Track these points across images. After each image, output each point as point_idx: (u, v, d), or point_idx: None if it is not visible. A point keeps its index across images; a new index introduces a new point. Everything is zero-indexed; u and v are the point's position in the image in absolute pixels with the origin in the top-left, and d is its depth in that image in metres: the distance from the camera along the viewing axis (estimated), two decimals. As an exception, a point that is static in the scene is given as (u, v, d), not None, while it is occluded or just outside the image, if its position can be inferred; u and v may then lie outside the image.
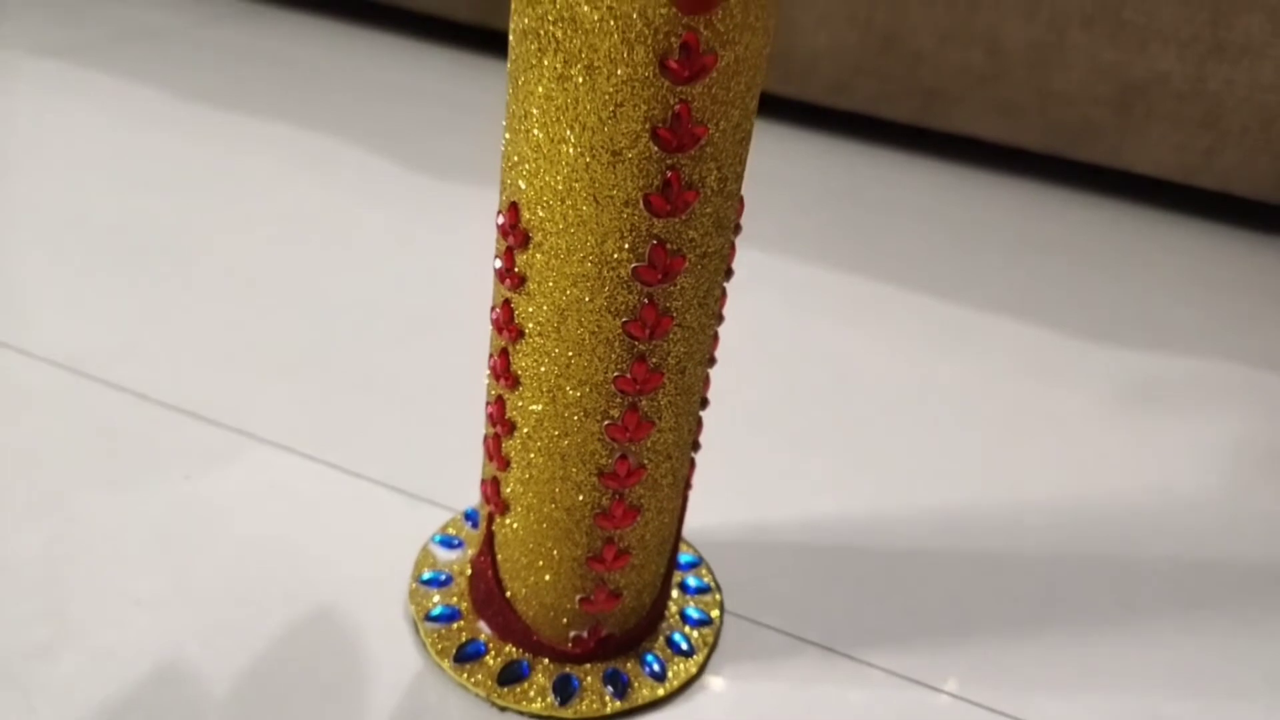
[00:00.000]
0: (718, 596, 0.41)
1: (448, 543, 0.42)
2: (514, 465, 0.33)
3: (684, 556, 0.43)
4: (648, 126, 0.26)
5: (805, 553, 0.46)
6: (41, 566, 0.38)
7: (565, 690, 0.36)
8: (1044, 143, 0.92)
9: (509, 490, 0.34)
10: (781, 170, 0.91)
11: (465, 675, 0.36)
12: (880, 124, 1.01)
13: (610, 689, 0.36)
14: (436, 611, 0.38)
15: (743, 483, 0.49)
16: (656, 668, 0.37)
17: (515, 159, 0.29)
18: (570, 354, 0.30)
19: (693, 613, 0.40)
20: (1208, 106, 0.86)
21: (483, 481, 0.36)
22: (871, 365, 0.62)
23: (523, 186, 0.29)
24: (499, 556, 0.36)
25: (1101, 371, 0.65)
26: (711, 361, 0.34)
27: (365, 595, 0.39)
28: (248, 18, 1.12)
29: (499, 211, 0.31)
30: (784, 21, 0.93)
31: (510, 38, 0.28)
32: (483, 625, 0.38)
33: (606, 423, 0.31)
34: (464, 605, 0.38)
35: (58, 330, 0.53)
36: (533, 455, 0.33)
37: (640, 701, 0.36)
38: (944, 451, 0.54)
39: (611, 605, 0.36)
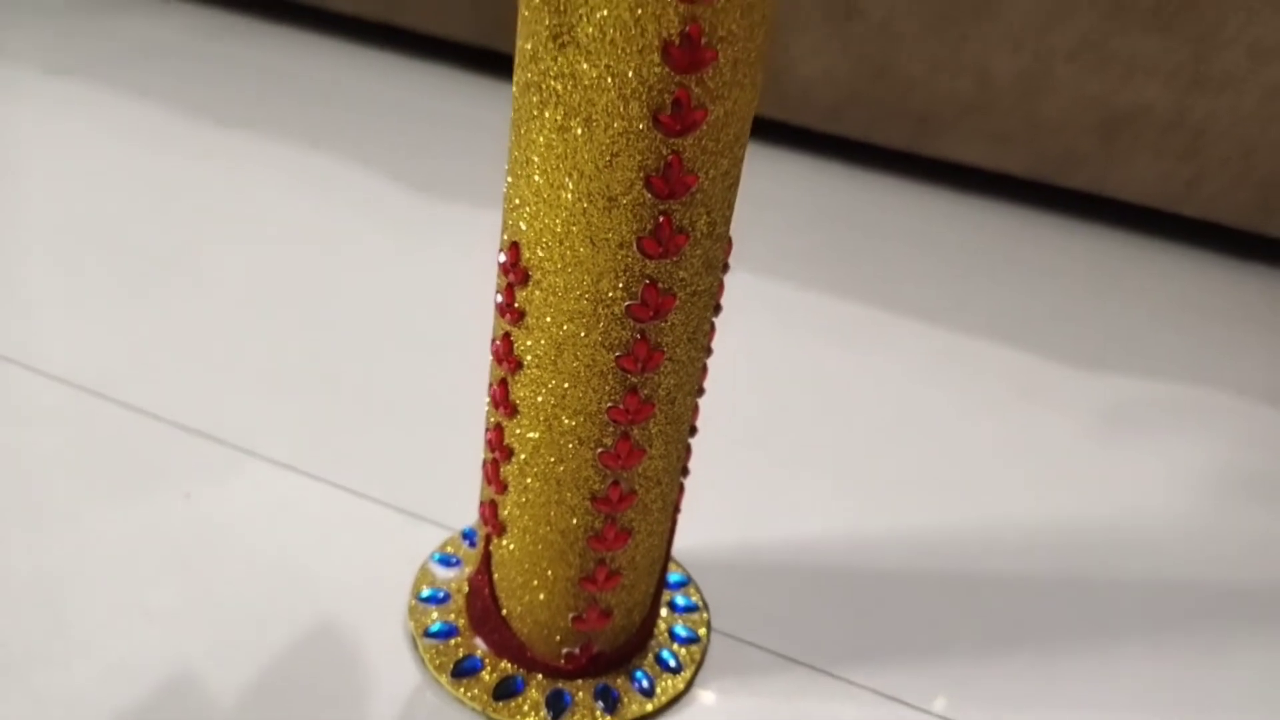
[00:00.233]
0: (705, 615, 0.43)
1: (446, 561, 0.43)
2: (511, 489, 0.35)
3: (673, 576, 0.44)
4: (641, 175, 0.28)
5: (791, 573, 0.47)
6: (54, 580, 0.40)
7: (558, 705, 0.37)
8: (1031, 169, 0.94)
9: (506, 513, 0.36)
10: (775, 193, 0.93)
11: (462, 690, 0.37)
12: (872, 149, 1.03)
13: (601, 704, 0.38)
14: (435, 628, 0.40)
15: (731, 504, 0.51)
16: (645, 684, 0.39)
17: (516, 201, 0.31)
18: (566, 385, 0.32)
19: (681, 631, 0.41)
20: (1190, 137, 0.88)
21: (481, 503, 0.38)
22: (858, 388, 0.64)
23: (523, 228, 0.31)
24: (495, 576, 0.38)
25: (1083, 396, 0.67)
26: (700, 392, 0.35)
27: (366, 611, 0.41)
28: (252, 34, 1.14)
29: (500, 250, 0.32)
30: (780, 49, 0.95)
31: (514, 89, 0.30)
32: (479, 642, 0.39)
33: (600, 450, 0.33)
34: (461, 622, 0.40)
35: (66, 347, 0.54)
36: (529, 480, 0.34)
37: (630, 716, 0.38)
38: (928, 474, 0.56)
39: (603, 624, 0.37)
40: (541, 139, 0.29)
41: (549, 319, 0.31)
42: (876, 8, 0.91)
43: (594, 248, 0.29)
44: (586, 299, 0.30)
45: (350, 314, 0.62)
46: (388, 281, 0.67)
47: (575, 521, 0.35)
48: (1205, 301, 0.86)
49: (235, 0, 1.23)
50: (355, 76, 1.07)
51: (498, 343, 0.33)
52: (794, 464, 0.55)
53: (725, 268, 0.33)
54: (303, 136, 0.88)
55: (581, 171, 0.28)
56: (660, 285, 0.30)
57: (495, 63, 1.13)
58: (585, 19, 0.26)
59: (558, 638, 0.38)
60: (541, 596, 0.37)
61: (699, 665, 0.41)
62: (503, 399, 0.34)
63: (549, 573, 0.36)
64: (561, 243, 0.30)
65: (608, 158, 0.28)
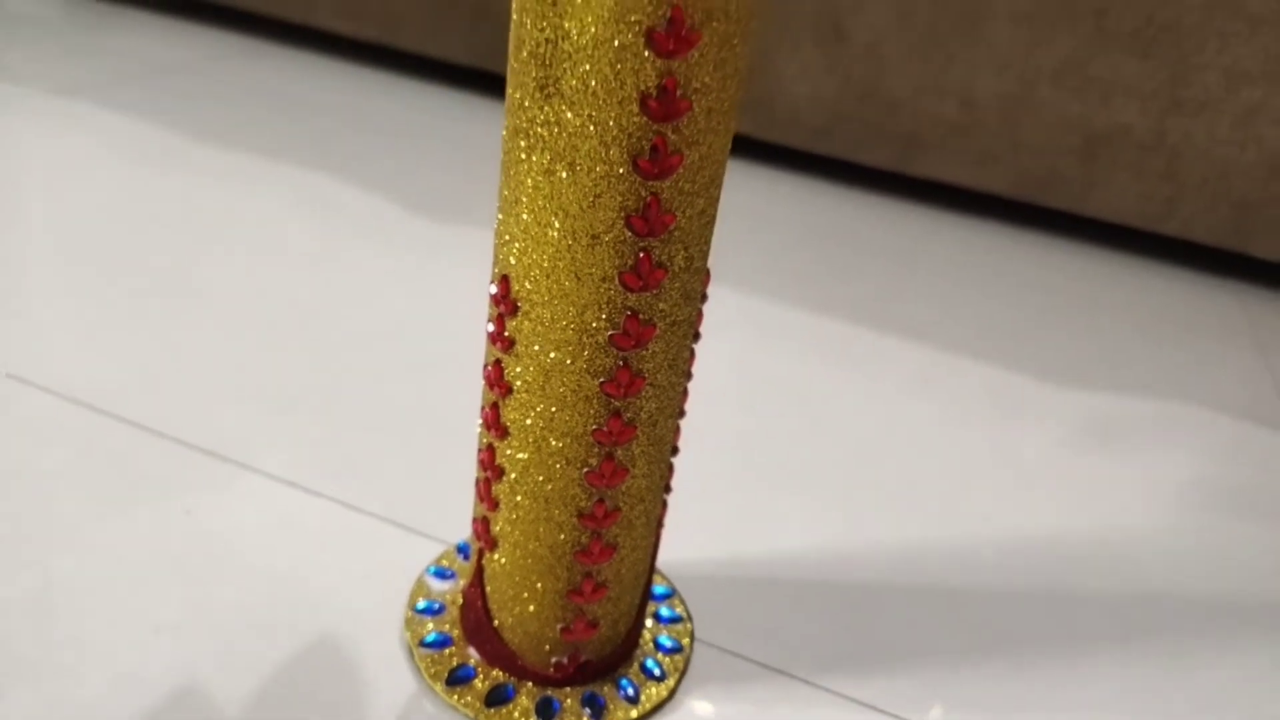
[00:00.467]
0: (689, 626, 0.45)
1: (441, 574, 0.45)
2: (502, 506, 0.37)
3: (658, 588, 0.46)
4: (622, 215, 0.30)
5: (774, 585, 0.49)
6: (64, 593, 0.42)
7: (547, 712, 0.39)
8: (1013, 189, 0.96)
9: (497, 529, 0.38)
10: (764, 211, 0.95)
11: (455, 697, 0.39)
12: (859, 169, 1.05)
13: (588, 710, 0.40)
14: (430, 638, 0.42)
15: (717, 518, 0.53)
16: (631, 691, 0.41)
17: (506, 237, 0.33)
18: (554, 409, 0.34)
19: (665, 641, 0.43)
20: (1168, 158, 0.90)
21: (474, 520, 0.40)
22: (841, 404, 0.66)
23: (513, 262, 0.33)
24: (488, 589, 0.40)
25: (1061, 412, 0.69)
26: (681, 414, 0.37)
27: (365, 622, 0.43)
28: (255, 54, 1.16)
29: (491, 281, 0.34)
30: (768, 71, 0.98)
31: (503, 133, 0.32)
32: (472, 651, 0.41)
33: (586, 470, 0.35)
34: (455, 633, 0.42)
35: (71, 365, 0.56)
36: (519, 498, 0.36)
37: (615, 722, 0.40)
38: (907, 488, 0.58)
39: (590, 634, 0.39)
40: (529, 181, 0.31)
41: (537, 347, 0.33)
42: (863, 31, 0.93)
43: (579, 281, 0.31)
44: (572, 329, 0.32)
45: (349, 333, 0.64)
46: (385, 300, 0.69)
47: (563, 537, 0.36)
48: (1184, 318, 0.88)
49: (238, 21, 1.25)
50: (355, 96, 1.09)
51: (489, 368, 0.35)
52: (778, 478, 0.57)
53: (703, 298, 0.35)
54: (303, 156, 0.90)
55: (567, 211, 0.30)
56: (641, 316, 0.32)
57: (489, 84, 1.16)
58: (569, 72, 0.28)
59: (547, 647, 0.40)
60: (531, 608, 0.39)
61: (683, 674, 0.42)
62: (494, 421, 0.36)
63: (538, 586, 0.38)
64: (548, 276, 0.32)
65: (591, 199, 0.30)
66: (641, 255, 0.31)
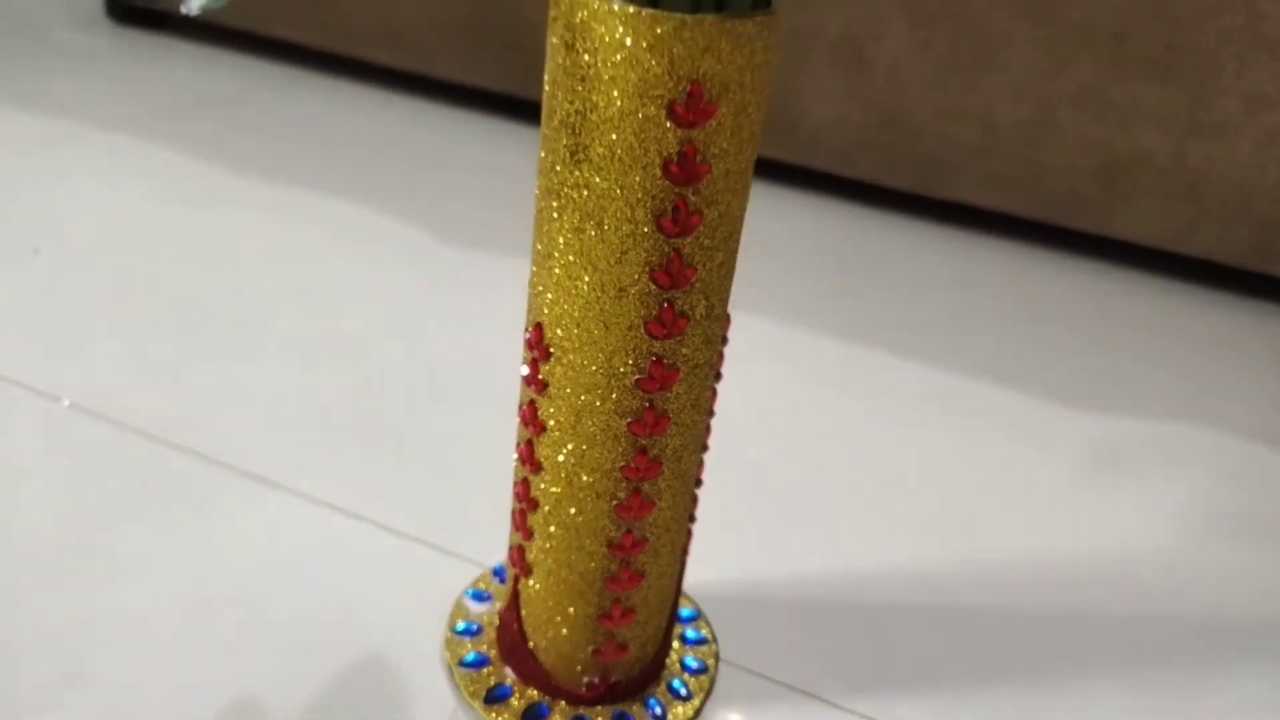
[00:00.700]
0: (714, 647, 0.47)
1: (478, 596, 0.48)
2: (536, 536, 0.39)
3: (684, 611, 0.48)
4: (647, 270, 0.33)
5: (795, 607, 0.51)
6: (130, 613, 0.45)
7: (579, 729, 0.42)
8: (1035, 211, 0.98)
9: (532, 556, 0.40)
10: (785, 233, 0.97)
11: (493, 715, 0.42)
12: (882, 191, 1.07)
13: (617, 728, 0.42)
14: (469, 658, 0.44)
15: (740, 542, 0.55)
16: (658, 711, 0.43)
17: (540, 288, 0.35)
18: (584, 447, 0.36)
19: (691, 662, 0.46)
20: (1189, 181, 0.91)
21: (510, 547, 0.42)
22: (861, 430, 0.68)
23: (546, 311, 0.35)
24: (523, 612, 0.42)
25: (1076, 436, 0.70)
26: (705, 449, 0.40)
27: (407, 642, 0.45)
28: (295, 84, 1.20)
29: (526, 328, 0.37)
30: (792, 95, 1.00)
31: (536, 192, 0.34)
32: (509, 671, 0.44)
33: (615, 503, 0.37)
34: (493, 653, 0.44)
35: (130, 395, 0.59)
36: (552, 528, 0.39)
37: (643, 740, 0.42)
38: (923, 513, 0.60)
39: (619, 656, 0.42)
40: (561, 238, 0.33)
41: (569, 390, 0.36)
42: (885, 58, 0.95)
43: (607, 330, 0.34)
44: (601, 373, 0.35)
45: (390, 361, 0.67)
46: (424, 330, 0.72)
47: (593, 565, 0.39)
48: (1202, 338, 0.89)
49: (280, 51, 1.29)
50: (393, 125, 1.12)
51: (524, 408, 0.38)
52: (799, 502, 0.59)
53: (724, 341, 0.37)
54: (343, 186, 0.93)
55: (596, 266, 0.33)
56: (665, 361, 0.34)
57: (521, 109, 1.19)
58: (597, 141, 0.31)
59: (579, 668, 0.42)
60: (564, 631, 0.41)
61: (708, 693, 0.45)
62: (529, 457, 0.38)
63: (570, 610, 0.40)
64: (579, 325, 0.34)
65: (618, 255, 0.32)
66: (665, 306, 0.33)
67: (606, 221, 0.32)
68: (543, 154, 0.33)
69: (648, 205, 0.31)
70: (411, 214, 0.90)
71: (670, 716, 0.43)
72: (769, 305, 0.81)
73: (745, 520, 0.57)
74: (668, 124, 0.30)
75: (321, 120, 1.11)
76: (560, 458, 0.37)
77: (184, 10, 0.27)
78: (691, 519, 0.41)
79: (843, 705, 0.46)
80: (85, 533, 0.49)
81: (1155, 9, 0.86)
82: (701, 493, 0.42)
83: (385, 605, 0.47)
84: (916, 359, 0.77)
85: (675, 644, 0.46)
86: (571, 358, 0.35)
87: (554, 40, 0.31)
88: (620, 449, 0.36)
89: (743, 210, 0.34)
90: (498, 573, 0.49)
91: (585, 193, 0.32)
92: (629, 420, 0.35)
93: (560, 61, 0.31)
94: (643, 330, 0.34)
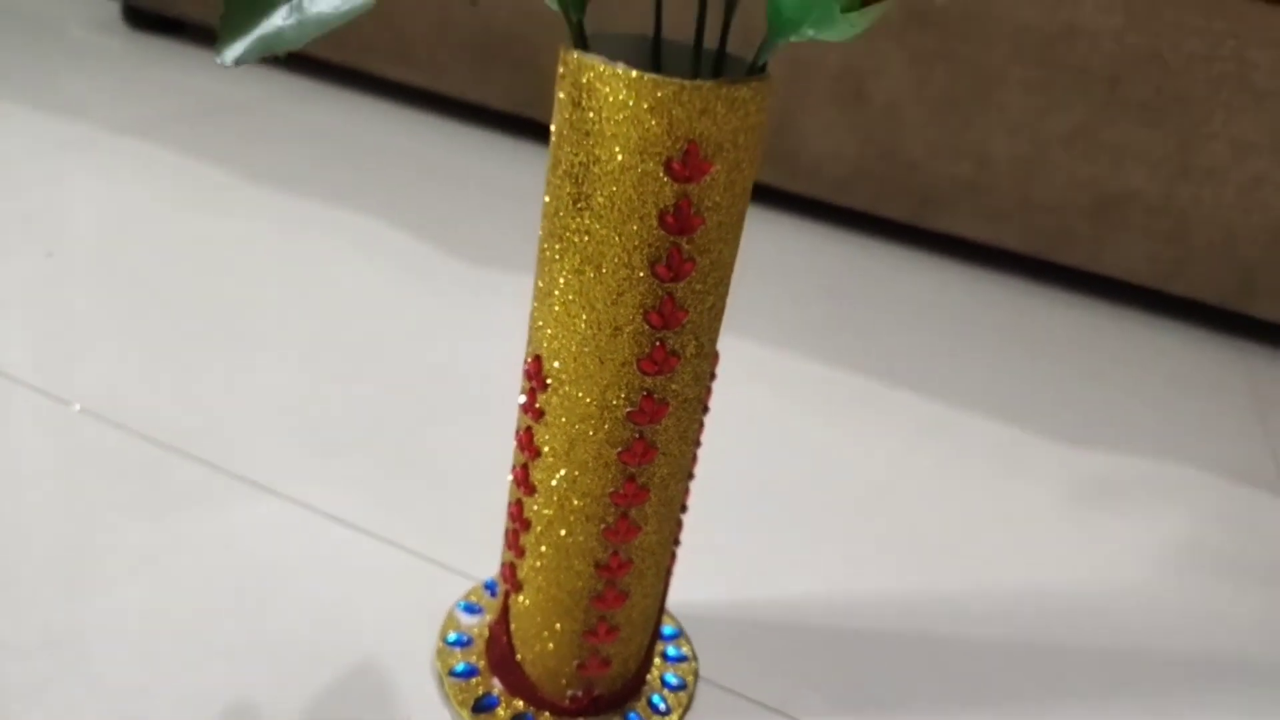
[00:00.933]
0: (694, 665, 0.49)
1: (470, 609, 0.50)
2: (528, 555, 0.42)
3: (666, 628, 0.50)
4: (641, 311, 0.35)
5: (775, 628, 0.53)
6: (137, 618, 0.47)
7: (562, 740, 0.44)
8: (1026, 246, 1.00)
9: (523, 574, 0.42)
10: (783, 258, 0.99)
11: (480, 723, 0.44)
12: (877, 220, 1.09)
13: (599, 740, 0.44)
14: (459, 668, 0.46)
15: (724, 562, 0.57)
16: (638, 724, 0.45)
17: (540, 323, 0.37)
18: (576, 473, 0.38)
19: (671, 679, 0.48)
20: (1176, 221, 0.94)
21: (502, 564, 0.44)
22: (848, 455, 0.70)
23: (545, 345, 0.37)
24: (512, 626, 0.44)
25: (1060, 470, 0.72)
26: (690, 477, 0.42)
27: (400, 651, 0.47)
28: (308, 95, 1.23)
29: (525, 359, 0.39)
30: (793, 126, 1.02)
31: (540, 233, 0.36)
32: (496, 681, 0.46)
33: (603, 526, 0.39)
34: (482, 664, 0.46)
35: (140, 402, 0.61)
36: (543, 548, 0.41)
37: (623, 752, 0.44)
38: (907, 539, 0.62)
39: (603, 671, 0.44)
40: (562, 278, 0.35)
41: (564, 419, 0.38)
42: (883, 95, 0.98)
43: (602, 365, 0.36)
44: (595, 405, 0.37)
45: (392, 374, 0.69)
46: (427, 344, 0.74)
47: (581, 584, 0.41)
48: (1186, 376, 0.91)
49: (294, 62, 1.32)
50: (403, 138, 1.15)
51: (521, 434, 0.40)
52: (785, 525, 0.61)
53: (712, 377, 0.39)
54: (352, 197, 0.95)
55: (593, 306, 0.35)
56: (656, 396, 0.37)
57: (527, 128, 1.21)
58: (599, 191, 0.33)
59: (564, 681, 0.44)
60: (551, 646, 0.43)
61: (686, 709, 0.47)
62: (524, 480, 0.40)
63: (558, 626, 0.42)
64: (576, 360, 0.36)
65: (615, 296, 0.35)
66: (657, 345, 0.35)
67: (605, 265, 0.34)
68: (547, 199, 0.35)
69: (644, 252, 0.34)
70: (418, 226, 0.92)
71: (650, 730, 0.45)
72: (763, 329, 0.84)
73: (730, 541, 0.59)
74: (665, 179, 0.32)
75: (332, 131, 1.13)
76: (553, 482, 0.39)
77: (219, 61, 0.29)
78: (676, 543, 0.44)
79: (816, 725, 0.48)
80: (91, 536, 0.51)
81: (1148, 55, 0.89)
82: (689, 511, 0.44)
83: (380, 614, 0.49)
84: (905, 387, 0.80)
85: (657, 661, 0.48)
86: (568, 389, 0.37)
87: (561, 96, 0.34)
88: (610, 476, 0.38)
89: (733, 257, 0.36)
90: (489, 587, 0.51)
91: (586, 238, 0.34)
92: (619, 450, 0.37)
93: (567, 116, 0.33)
94: (635, 367, 0.36)
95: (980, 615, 0.57)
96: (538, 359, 0.38)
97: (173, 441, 0.58)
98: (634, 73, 0.31)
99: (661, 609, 0.45)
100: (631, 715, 0.45)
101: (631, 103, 0.31)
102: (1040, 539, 0.64)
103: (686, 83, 0.31)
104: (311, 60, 1.29)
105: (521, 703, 0.45)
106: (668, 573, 0.44)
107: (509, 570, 0.43)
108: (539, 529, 0.41)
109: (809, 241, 1.06)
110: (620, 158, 0.32)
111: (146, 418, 0.60)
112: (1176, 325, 1.01)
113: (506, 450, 0.59)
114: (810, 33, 0.30)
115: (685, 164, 0.32)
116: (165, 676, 0.44)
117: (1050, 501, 0.68)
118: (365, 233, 0.90)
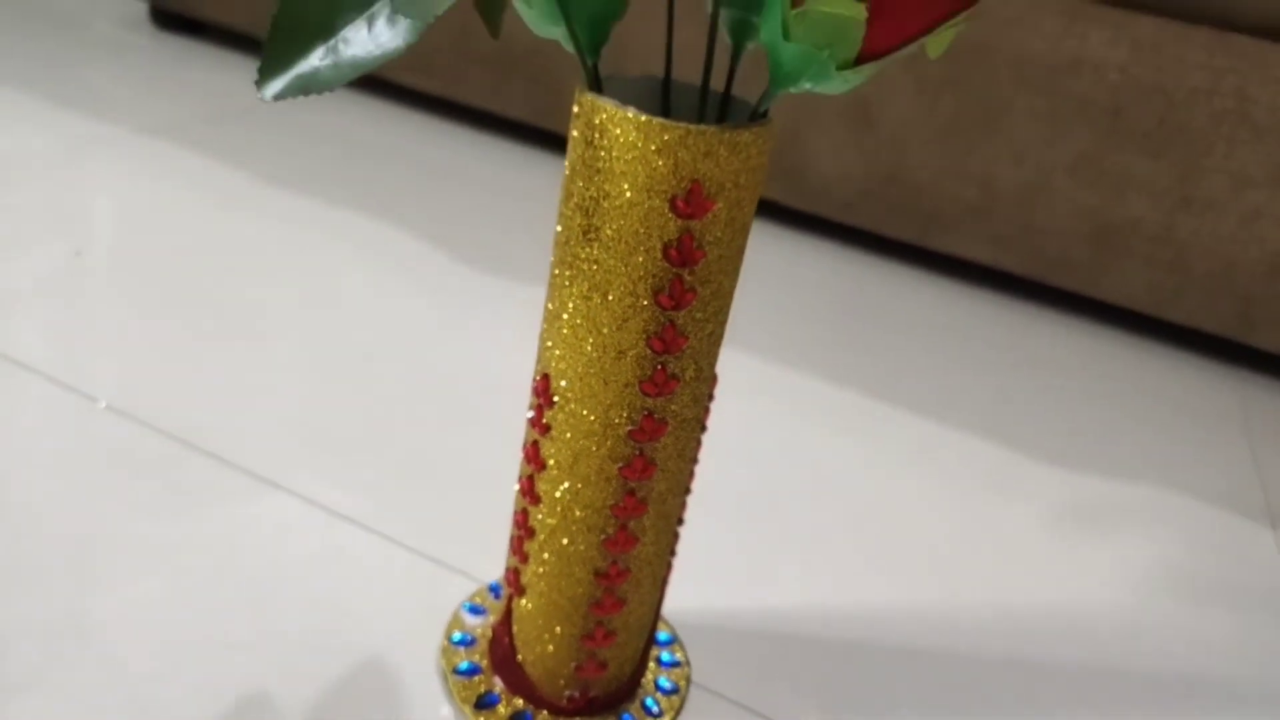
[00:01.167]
0: (687, 670, 0.51)
1: (474, 610, 0.52)
2: (531, 561, 0.44)
3: (661, 634, 0.53)
4: (645, 336, 0.37)
5: (766, 637, 0.55)
6: (154, 610, 0.49)
7: (558, 738, 0.46)
8: (1027, 269, 1.02)
9: (526, 579, 0.44)
10: (789, 274, 1.02)
11: (481, 719, 0.46)
12: (882, 240, 1.11)
13: (593, 740, 0.46)
14: (462, 666, 0.48)
15: (719, 571, 0.59)
16: (632, 725, 0.47)
17: (549, 343, 0.40)
18: (579, 485, 0.41)
19: (664, 683, 0.50)
20: (1176, 250, 0.95)
21: (507, 569, 0.46)
22: (843, 471, 0.72)
23: (553, 364, 0.39)
24: (514, 628, 0.46)
25: (1050, 491, 0.74)
26: (688, 492, 0.44)
27: (406, 648, 0.49)
28: (328, 99, 1.25)
29: (534, 377, 0.41)
30: (802, 146, 1.04)
31: (551, 259, 0.39)
32: (498, 680, 0.48)
33: (603, 537, 0.42)
34: (485, 663, 0.49)
35: (161, 399, 0.64)
36: (546, 555, 0.43)
37: (616, 751, 0.46)
38: (896, 555, 0.64)
39: (599, 673, 0.46)
40: (570, 303, 0.38)
41: (569, 434, 0.40)
42: (890, 120, 1.00)
43: (606, 386, 0.38)
44: (598, 423, 0.39)
45: (402, 377, 0.72)
46: (437, 348, 0.77)
47: (581, 591, 0.43)
48: (1181, 403, 0.93)
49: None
50: (420, 145, 1.17)
51: (528, 447, 0.42)
52: (778, 538, 0.63)
53: (710, 398, 0.42)
54: (367, 202, 0.98)
55: (599, 330, 0.37)
56: (656, 416, 0.39)
57: (543, 138, 1.23)
58: (607, 224, 0.35)
59: (561, 682, 0.46)
60: (550, 648, 0.45)
61: (678, 713, 0.49)
62: (529, 490, 0.43)
63: (558, 630, 0.45)
64: (582, 380, 0.39)
65: (620, 322, 0.37)
66: (659, 368, 0.38)
67: (611, 293, 0.36)
68: (559, 229, 0.38)
69: (648, 282, 0.36)
70: (432, 233, 0.94)
71: (642, 732, 0.47)
72: (766, 343, 0.86)
73: (726, 551, 0.61)
74: (669, 215, 0.35)
75: (352, 136, 1.16)
76: (557, 493, 0.41)
77: (259, 96, 0.31)
78: (672, 553, 0.46)
79: (802, 732, 0.50)
80: (111, 528, 0.53)
81: (1152, 87, 0.91)
82: (687, 518, 0.46)
83: (388, 613, 0.52)
84: (904, 405, 0.82)
85: (651, 665, 0.51)
86: (573, 407, 0.39)
87: (575, 134, 0.36)
88: (611, 489, 0.40)
89: (733, 287, 0.38)
90: (493, 589, 0.53)
91: (594, 267, 0.36)
92: (620, 465, 0.40)
93: (580, 153, 0.36)
94: (638, 388, 0.38)
95: (966, 631, 0.59)
96: (546, 377, 0.40)
97: (185, 436, 0.61)
98: (643, 116, 0.33)
99: (657, 616, 0.48)
100: (626, 716, 0.47)
101: (640, 144, 0.34)
102: (1028, 559, 0.66)
103: (692, 127, 0.33)
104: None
105: (521, 701, 0.47)
106: (664, 582, 0.46)
107: (513, 575, 0.45)
108: (542, 537, 0.43)
109: (815, 258, 1.08)
110: (628, 194, 0.35)
111: (160, 413, 0.62)
112: (1173, 353, 1.02)
113: (513, 456, 0.61)
114: (808, 86, 0.32)
115: (689, 202, 0.34)
116: (177, 666, 0.46)
117: (1040, 522, 0.70)
118: (380, 237, 0.92)
